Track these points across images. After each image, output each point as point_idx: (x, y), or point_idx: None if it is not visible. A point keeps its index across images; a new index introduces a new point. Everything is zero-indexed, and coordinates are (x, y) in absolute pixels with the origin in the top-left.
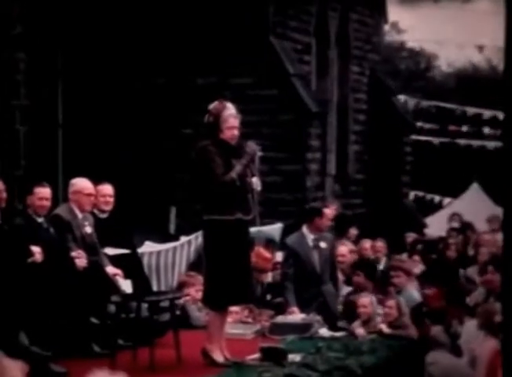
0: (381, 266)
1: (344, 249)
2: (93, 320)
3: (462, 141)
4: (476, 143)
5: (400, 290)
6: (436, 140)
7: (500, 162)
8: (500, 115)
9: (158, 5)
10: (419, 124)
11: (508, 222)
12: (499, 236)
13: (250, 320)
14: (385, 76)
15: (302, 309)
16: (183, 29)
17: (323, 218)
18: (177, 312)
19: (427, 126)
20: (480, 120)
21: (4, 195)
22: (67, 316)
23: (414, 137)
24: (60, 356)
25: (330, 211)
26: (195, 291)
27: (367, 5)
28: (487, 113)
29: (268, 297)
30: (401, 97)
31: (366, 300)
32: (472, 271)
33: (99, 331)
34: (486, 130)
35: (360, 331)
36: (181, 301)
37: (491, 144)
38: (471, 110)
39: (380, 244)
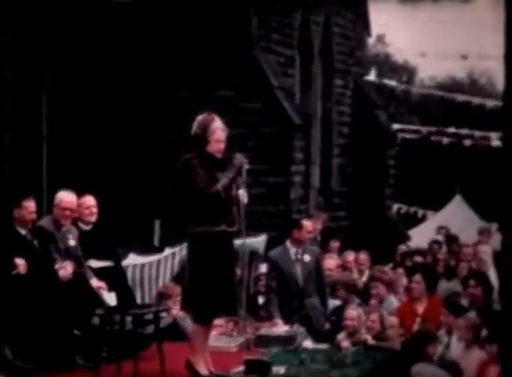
0: (364, 278)
1: (331, 262)
2: (77, 332)
3: (446, 140)
4: (466, 142)
5: (381, 300)
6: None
7: (499, 167)
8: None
9: (142, 18)
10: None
11: (506, 225)
12: (483, 248)
13: (235, 333)
14: (369, 89)
15: (285, 322)
16: (167, 42)
17: (302, 231)
18: (169, 324)
19: (410, 135)
20: (470, 108)
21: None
22: (51, 329)
23: (402, 135)
24: (43, 369)
25: (309, 223)
26: (173, 302)
27: (350, 19)
28: (475, 100)
29: (261, 300)
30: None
31: (354, 313)
32: (455, 283)
33: (83, 344)
34: (467, 142)
35: (345, 343)
36: (177, 314)
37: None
38: (461, 97)
39: (363, 257)
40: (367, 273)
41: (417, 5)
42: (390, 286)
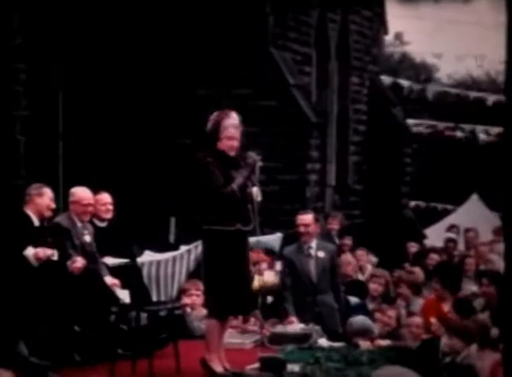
0: (366, 274)
1: (349, 260)
2: (77, 328)
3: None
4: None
5: (407, 300)
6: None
7: (500, 167)
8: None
9: (158, 17)
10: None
11: (508, 226)
12: (498, 247)
13: (256, 328)
14: (385, 87)
15: (298, 318)
16: (183, 40)
17: (298, 225)
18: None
19: (424, 129)
20: (484, 106)
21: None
22: (61, 326)
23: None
24: (58, 365)
25: (302, 217)
26: (187, 297)
27: (367, 17)
28: (491, 98)
29: (269, 299)
30: (405, 82)
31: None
32: (468, 280)
33: (81, 340)
34: (482, 136)
35: (362, 343)
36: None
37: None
38: (473, 94)
39: (360, 253)
40: (369, 269)
41: (417, 5)
42: (416, 287)
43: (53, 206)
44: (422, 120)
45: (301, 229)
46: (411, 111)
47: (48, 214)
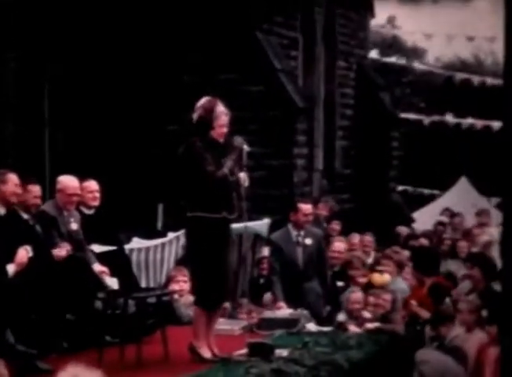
0: (370, 260)
1: (340, 245)
2: (69, 316)
3: (451, 120)
4: (465, 122)
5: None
6: (426, 120)
7: (499, 155)
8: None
9: (144, 4)
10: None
11: (508, 214)
12: (490, 230)
13: (244, 315)
14: (373, 71)
15: (286, 304)
16: (168, 26)
17: (298, 213)
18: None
19: (412, 116)
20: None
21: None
22: (49, 314)
23: (404, 115)
24: (45, 353)
25: (305, 207)
26: (175, 283)
27: (353, 0)
28: (476, 79)
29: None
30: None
31: (358, 296)
32: (458, 263)
33: (71, 328)
34: (469, 120)
35: (353, 328)
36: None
37: (478, 123)
38: (460, 75)
39: (368, 238)
40: (372, 255)
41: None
42: (401, 267)
43: (19, 191)
44: (409, 113)
45: (301, 218)
46: (399, 97)
47: (14, 200)
